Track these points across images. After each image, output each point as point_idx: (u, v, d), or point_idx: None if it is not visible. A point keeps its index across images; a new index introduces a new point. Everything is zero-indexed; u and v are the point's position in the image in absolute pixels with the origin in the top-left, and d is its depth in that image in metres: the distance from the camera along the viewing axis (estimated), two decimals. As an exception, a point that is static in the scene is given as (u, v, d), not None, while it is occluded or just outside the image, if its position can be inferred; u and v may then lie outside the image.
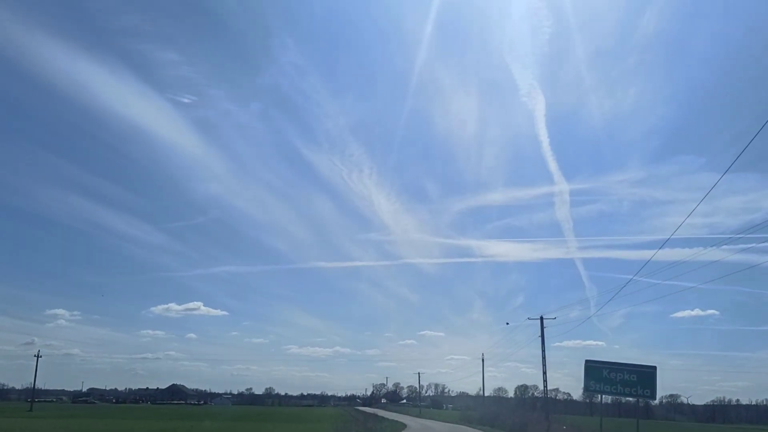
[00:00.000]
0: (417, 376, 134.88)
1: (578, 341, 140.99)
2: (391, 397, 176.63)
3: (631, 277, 35.84)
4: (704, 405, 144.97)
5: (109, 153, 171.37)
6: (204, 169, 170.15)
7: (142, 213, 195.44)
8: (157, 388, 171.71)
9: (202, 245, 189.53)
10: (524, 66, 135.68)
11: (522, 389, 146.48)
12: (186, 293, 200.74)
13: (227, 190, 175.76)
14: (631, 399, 32.31)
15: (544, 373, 51.14)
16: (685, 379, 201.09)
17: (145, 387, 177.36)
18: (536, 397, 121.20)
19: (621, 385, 27.15)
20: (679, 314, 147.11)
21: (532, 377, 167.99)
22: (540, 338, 51.32)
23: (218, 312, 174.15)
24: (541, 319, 51.62)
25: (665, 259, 36.56)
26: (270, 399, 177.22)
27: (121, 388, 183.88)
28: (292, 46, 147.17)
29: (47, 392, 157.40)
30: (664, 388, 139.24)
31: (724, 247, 32.10)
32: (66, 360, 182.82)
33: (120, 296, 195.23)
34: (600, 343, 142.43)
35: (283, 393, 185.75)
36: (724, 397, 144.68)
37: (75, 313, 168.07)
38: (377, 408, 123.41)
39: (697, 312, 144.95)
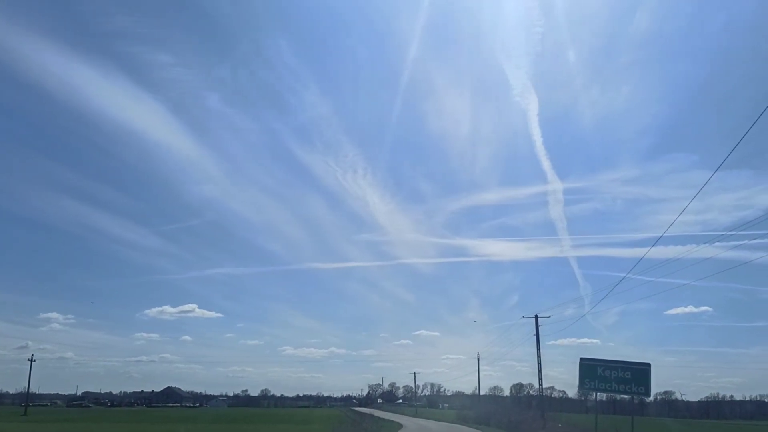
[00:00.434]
0: (413, 375, 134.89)
1: (573, 339, 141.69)
2: (387, 397, 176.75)
3: (624, 274, 35.98)
4: (698, 401, 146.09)
5: (103, 156, 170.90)
6: (198, 171, 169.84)
7: (136, 216, 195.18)
8: (152, 390, 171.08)
9: (197, 247, 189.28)
10: (517, 65, 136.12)
11: (517, 388, 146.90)
12: (180, 295, 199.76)
13: (222, 192, 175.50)
14: (625, 396, 32.48)
15: (540, 371, 51.34)
16: (680, 375, 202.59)
17: (140, 390, 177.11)
18: (532, 395, 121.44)
19: (615, 383, 27.21)
20: (673, 311, 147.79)
21: (527, 376, 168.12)
22: (535, 337, 51.57)
23: (213, 314, 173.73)
24: (536, 317, 51.86)
25: (658, 257, 36.73)
26: (266, 400, 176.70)
27: (115, 391, 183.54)
28: (286, 47, 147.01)
29: (41, 396, 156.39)
30: (658, 385, 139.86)
31: (717, 244, 32.23)
32: (60, 364, 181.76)
33: (114, 299, 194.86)
34: (595, 340, 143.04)
35: (278, 394, 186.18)
36: (718, 394, 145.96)
37: (69, 316, 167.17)
38: (373, 408, 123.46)
39: (690, 309, 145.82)
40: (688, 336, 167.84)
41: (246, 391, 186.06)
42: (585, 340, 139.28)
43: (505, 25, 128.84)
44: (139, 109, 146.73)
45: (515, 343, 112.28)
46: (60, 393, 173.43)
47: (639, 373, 26.93)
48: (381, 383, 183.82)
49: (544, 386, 52.86)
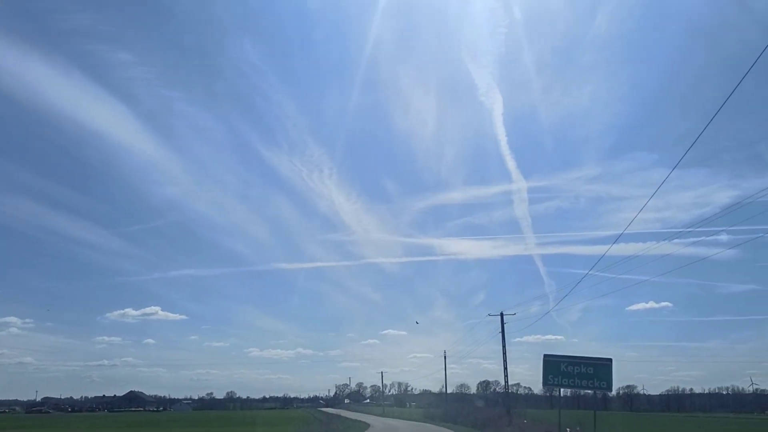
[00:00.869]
0: (380, 375, 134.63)
1: (538, 336, 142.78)
2: (355, 397, 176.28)
3: (587, 271, 36.41)
4: (659, 395, 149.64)
5: (62, 156, 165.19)
6: (161, 172, 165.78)
7: (97, 217, 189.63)
8: (114, 395, 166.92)
9: (160, 249, 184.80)
10: (482, 65, 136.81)
11: (484, 385, 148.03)
12: (143, 298, 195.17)
13: (185, 193, 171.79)
14: (589, 391, 32.86)
15: (505, 368, 51.77)
16: (641, 370, 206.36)
17: (102, 395, 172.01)
18: (498, 392, 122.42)
19: (578, 378, 27.46)
20: (634, 307, 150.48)
21: (493, 373, 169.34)
22: (501, 334, 51.90)
23: (177, 316, 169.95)
24: (502, 315, 52.14)
25: (620, 254, 37.25)
26: (231, 403, 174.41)
27: (76, 396, 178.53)
28: (249, 46, 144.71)
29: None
30: (621, 380, 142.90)
31: (676, 240, 32.97)
32: (19, 369, 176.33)
33: (75, 302, 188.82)
34: (559, 337, 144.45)
35: (244, 396, 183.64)
36: (678, 387, 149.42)
37: (27, 320, 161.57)
38: (340, 408, 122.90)
39: (651, 304, 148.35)
40: (648, 331, 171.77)
41: (211, 393, 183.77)
42: (550, 336, 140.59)
43: (470, 25, 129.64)
44: (99, 109, 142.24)
45: (481, 341, 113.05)
46: (19, 399, 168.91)
47: (601, 369, 27.19)
48: (348, 383, 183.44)
49: (510, 383, 53.31)
